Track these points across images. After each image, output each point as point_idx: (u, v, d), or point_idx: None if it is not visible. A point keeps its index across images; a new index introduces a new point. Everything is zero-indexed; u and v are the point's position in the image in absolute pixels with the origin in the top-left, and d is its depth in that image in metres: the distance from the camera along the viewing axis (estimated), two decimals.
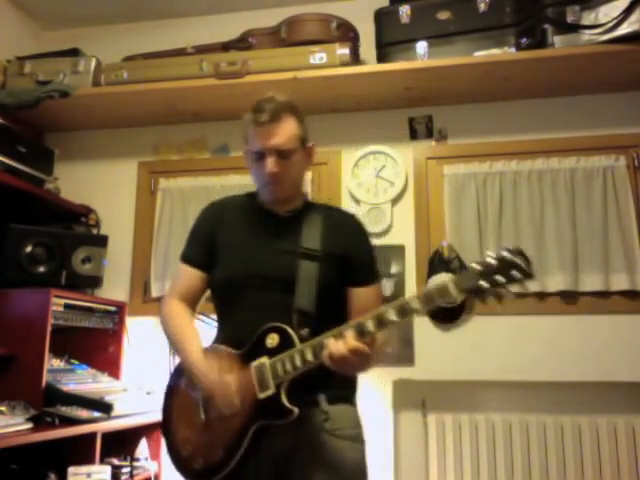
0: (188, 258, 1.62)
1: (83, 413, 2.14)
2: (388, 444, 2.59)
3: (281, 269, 1.49)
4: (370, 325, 1.31)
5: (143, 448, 2.52)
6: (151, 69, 2.81)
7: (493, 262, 1.27)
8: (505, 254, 1.27)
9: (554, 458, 2.46)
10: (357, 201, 2.83)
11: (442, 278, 2.54)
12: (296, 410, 1.35)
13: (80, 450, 2.12)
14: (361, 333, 1.31)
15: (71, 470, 2.03)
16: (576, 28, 2.44)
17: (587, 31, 2.42)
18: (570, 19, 2.44)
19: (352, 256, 1.54)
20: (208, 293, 1.65)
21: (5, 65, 2.93)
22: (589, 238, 2.58)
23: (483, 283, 1.27)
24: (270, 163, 1.48)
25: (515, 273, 1.25)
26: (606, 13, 2.39)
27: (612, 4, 2.38)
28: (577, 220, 2.61)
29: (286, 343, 1.39)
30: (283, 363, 1.37)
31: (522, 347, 2.57)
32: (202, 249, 1.60)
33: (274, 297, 1.47)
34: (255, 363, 1.40)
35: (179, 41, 2.95)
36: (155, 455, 2.54)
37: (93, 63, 2.87)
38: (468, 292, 1.29)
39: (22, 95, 2.79)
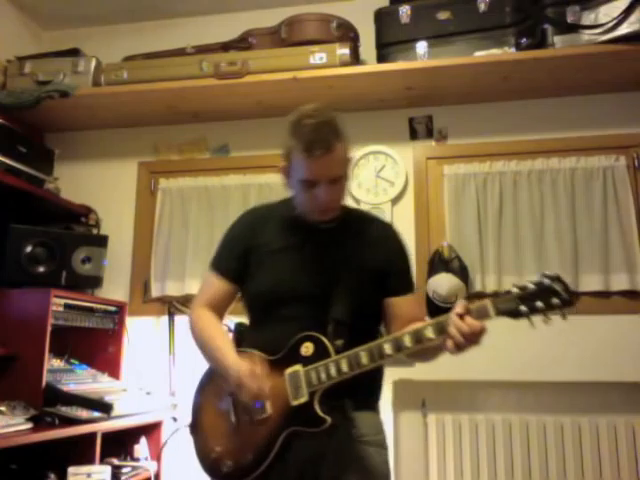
0: (220, 268, 1.59)
1: (83, 413, 2.14)
2: (388, 444, 2.58)
3: (321, 282, 1.48)
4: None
5: (143, 448, 2.52)
6: (151, 69, 2.81)
7: (532, 287, 1.31)
8: (545, 280, 1.30)
9: (554, 458, 2.46)
10: (357, 201, 2.82)
11: (450, 281, 2.55)
12: (329, 419, 1.36)
13: (80, 450, 2.12)
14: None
15: (71, 470, 2.03)
16: (576, 28, 2.44)
17: (587, 31, 2.42)
18: (570, 19, 2.44)
19: (391, 269, 1.54)
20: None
21: (5, 65, 2.93)
22: (589, 238, 2.58)
23: (523, 308, 1.30)
24: (325, 193, 1.43)
25: (555, 300, 1.28)
26: (606, 13, 2.39)
27: (612, 4, 2.38)
28: (577, 220, 2.61)
29: (321, 352, 1.40)
30: (318, 372, 1.38)
31: (522, 347, 2.56)
32: (235, 260, 1.57)
33: (312, 309, 1.46)
34: (289, 370, 1.41)
35: (179, 41, 2.95)
36: (155, 455, 2.54)
37: (93, 63, 2.87)
38: (505, 314, 1.32)
39: (22, 95, 2.79)
